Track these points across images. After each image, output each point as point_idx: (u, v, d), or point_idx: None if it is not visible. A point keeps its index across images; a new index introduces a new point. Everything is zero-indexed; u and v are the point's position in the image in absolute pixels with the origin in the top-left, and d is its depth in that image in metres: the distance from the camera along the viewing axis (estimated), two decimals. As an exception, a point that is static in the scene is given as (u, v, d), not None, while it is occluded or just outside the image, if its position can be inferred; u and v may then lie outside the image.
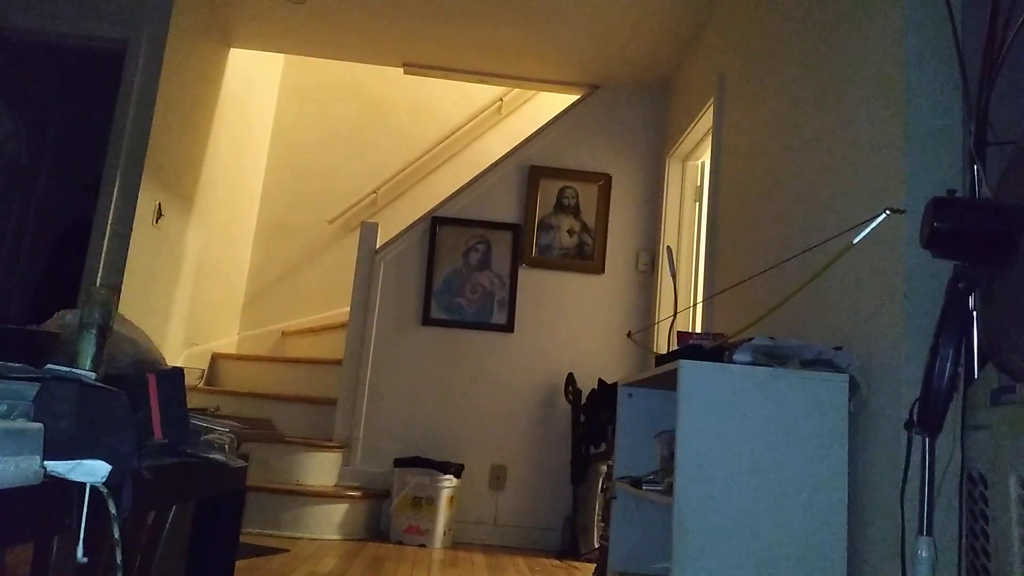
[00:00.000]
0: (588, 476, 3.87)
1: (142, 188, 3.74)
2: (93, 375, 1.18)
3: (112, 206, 3.70)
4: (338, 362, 4.31)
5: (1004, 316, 1.38)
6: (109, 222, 3.69)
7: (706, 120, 3.70)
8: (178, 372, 1.36)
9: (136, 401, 1.15)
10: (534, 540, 4.01)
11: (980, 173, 1.66)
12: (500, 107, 5.61)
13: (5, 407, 0.94)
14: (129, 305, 3.69)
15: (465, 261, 4.34)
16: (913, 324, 1.75)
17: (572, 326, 4.32)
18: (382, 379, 4.20)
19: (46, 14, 3.82)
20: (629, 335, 3.96)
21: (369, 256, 4.34)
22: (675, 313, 3.00)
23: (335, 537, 3.72)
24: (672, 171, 4.35)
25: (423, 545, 3.71)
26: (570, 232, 4.44)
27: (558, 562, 3.67)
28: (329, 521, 3.75)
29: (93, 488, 0.92)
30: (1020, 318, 1.32)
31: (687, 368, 1.86)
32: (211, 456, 1.45)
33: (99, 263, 3.64)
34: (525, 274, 4.33)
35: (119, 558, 0.95)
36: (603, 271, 4.42)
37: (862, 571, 1.84)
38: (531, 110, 5.48)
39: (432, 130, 5.55)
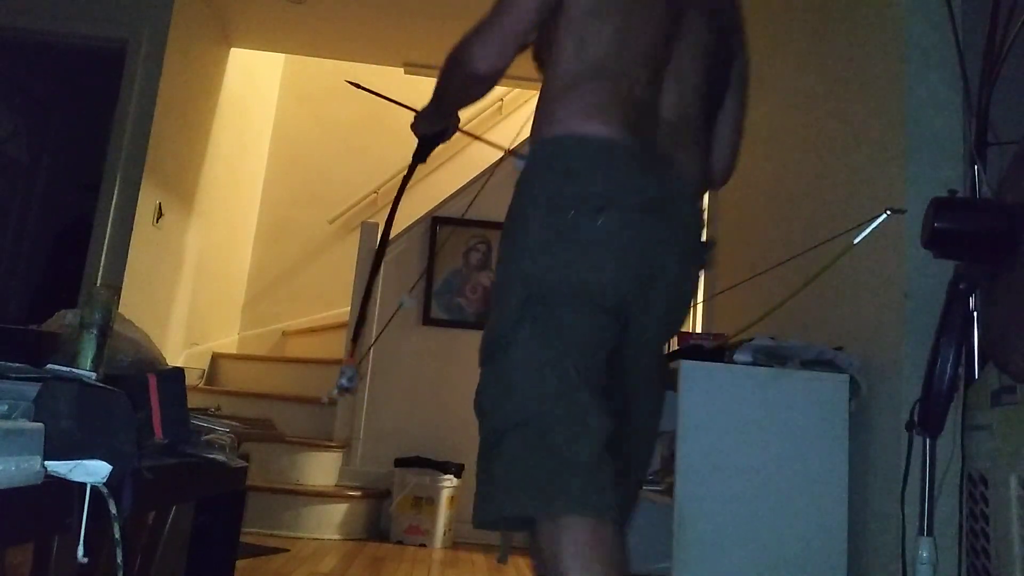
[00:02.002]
0: (588, 476, 3.87)
1: (142, 188, 3.74)
2: (93, 375, 1.18)
3: (112, 206, 3.70)
4: (339, 362, 4.29)
5: (1005, 317, 1.38)
6: (109, 222, 3.69)
7: (706, 120, 3.69)
8: (178, 372, 1.36)
9: (136, 401, 1.15)
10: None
11: (981, 173, 1.66)
12: (500, 107, 5.61)
13: (6, 407, 0.94)
14: (129, 305, 3.69)
15: (465, 261, 4.34)
16: (914, 325, 1.75)
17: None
18: (382, 379, 4.20)
19: (46, 14, 3.82)
20: (629, 335, 3.95)
21: (369, 256, 4.33)
22: (675, 313, 2.99)
23: (335, 537, 3.72)
24: (672, 171, 4.34)
25: (423, 545, 3.71)
26: (570, 232, 4.42)
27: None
28: (329, 521, 3.75)
29: (93, 488, 0.92)
30: (1021, 319, 1.32)
31: (687, 368, 1.85)
32: (211, 456, 1.46)
33: (99, 263, 3.65)
34: (525, 274, 4.32)
35: (119, 558, 0.95)
36: (603, 271, 4.41)
37: (862, 571, 1.83)
38: (531, 110, 5.47)
39: (432, 130, 5.55)
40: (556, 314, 1.19)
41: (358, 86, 2.28)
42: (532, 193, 1.29)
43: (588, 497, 1.10)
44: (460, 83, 1.57)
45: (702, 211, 1.44)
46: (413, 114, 1.78)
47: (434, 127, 1.74)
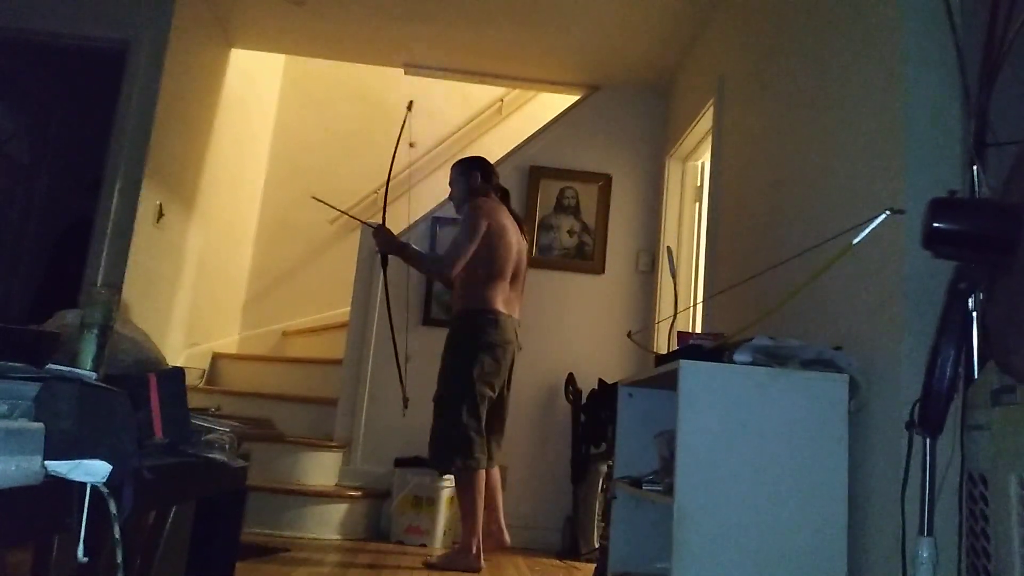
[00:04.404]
0: (588, 476, 3.87)
1: (143, 188, 3.74)
2: (94, 375, 1.18)
3: (113, 206, 3.70)
4: (339, 362, 4.31)
5: (1004, 316, 1.38)
6: (110, 222, 3.69)
7: (706, 121, 3.70)
8: (179, 372, 1.37)
9: (137, 401, 1.15)
10: (534, 540, 4.01)
11: (980, 173, 1.66)
12: (500, 108, 5.61)
13: (6, 407, 0.94)
14: (130, 305, 3.69)
15: (466, 261, 4.34)
16: (913, 324, 1.75)
17: (572, 326, 4.32)
18: (382, 379, 4.20)
19: (48, 15, 3.83)
20: (629, 335, 3.96)
21: (370, 256, 4.33)
22: (675, 313, 3.00)
23: (335, 537, 3.72)
24: (672, 171, 4.35)
25: (423, 545, 3.71)
26: (570, 232, 4.44)
27: (558, 562, 3.67)
28: (329, 521, 3.75)
29: (94, 488, 0.92)
30: (1020, 319, 1.32)
31: (687, 368, 1.86)
32: (212, 456, 1.46)
33: (100, 263, 3.65)
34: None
35: (119, 558, 0.95)
36: (603, 271, 4.42)
37: (862, 571, 1.84)
38: (531, 111, 5.48)
39: (433, 130, 5.55)
40: (480, 387, 3.21)
41: (322, 201, 3.74)
42: (473, 332, 3.25)
43: (480, 460, 3.17)
44: (432, 272, 3.62)
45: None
46: (372, 224, 3.54)
47: (391, 253, 3.48)
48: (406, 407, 3.45)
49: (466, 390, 3.16)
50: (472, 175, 3.48)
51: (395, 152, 3.77)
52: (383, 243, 3.39)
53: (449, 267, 3.22)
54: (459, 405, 3.15)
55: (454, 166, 3.61)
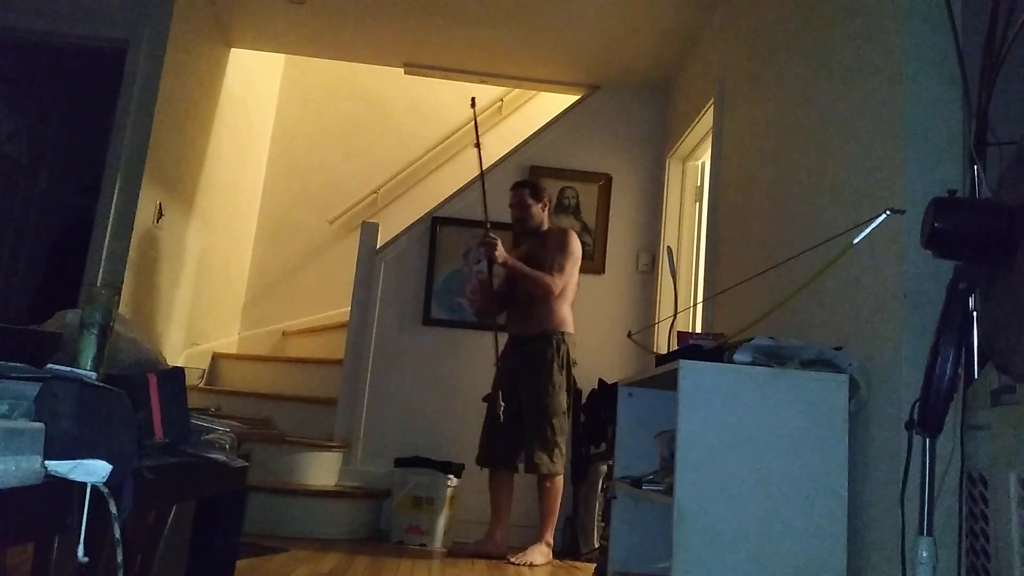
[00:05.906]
0: (588, 476, 3.87)
1: (143, 188, 3.74)
2: (94, 375, 1.18)
3: (113, 206, 3.70)
4: (339, 362, 4.31)
5: (1004, 316, 1.38)
6: (110, 222, 3.69)
7: (706, 120, 3.70)
8: (179, 372, 1.37)
9: (137, 401, 1.15)
10: (534, 540, 4.00)
11: (980, 173, 1.66)
12: (500, 107, 5.61)
13: (6, 407, 0.94)
14: (130, 305, 3.69)
15: (465, 261, 4.34)
16: (913, 324, 1.75)
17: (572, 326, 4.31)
18: (383, 379, 4.20)
19: (47, 14, 3.83)
20: (629, 335, 3.95)
21: (370, 256, 4.33)
22: (675, 313, 2.99)
23: (335, 537, 3.72)
24: (672, 171, 4.35)
25: (423, 545, 3.71)
26: (570, 232, 4.43)
27: (558, 562, 3.67)
28: (329, 521, 3.75)
29: (94, 488, 0.92)
30: (1020, 318, 1.32)
31: (687, 368, 1.86)
32: (212, 456, 1.45)
33: (100, 263, 3.65)
34: (525, 274, 4.32)
35: (120, 558, 0.95)
36: (603, 271, 4.41)
37: (862, 571, 1.84)
38: (531, 110, 5.48)
39: (432, 130, 5.55)
40: (567, 400, 3.62)
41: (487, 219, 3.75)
42: (559, 352, 3.59)
43: (561, 466, 3.59)
44: (534, 286, 3.62)
45: None
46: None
47: (505, 264, 3.62)
48: (504, 414, 3.53)
49: (560, 403, 3.54)
50: (545, 201, 3.79)
51: (480, 159, 3.84)
52: (500, 254, 3.58)
53: (557, 287, 3.58)
54: (557, 417, 3.52)
55: (521, 190, 3.78)
